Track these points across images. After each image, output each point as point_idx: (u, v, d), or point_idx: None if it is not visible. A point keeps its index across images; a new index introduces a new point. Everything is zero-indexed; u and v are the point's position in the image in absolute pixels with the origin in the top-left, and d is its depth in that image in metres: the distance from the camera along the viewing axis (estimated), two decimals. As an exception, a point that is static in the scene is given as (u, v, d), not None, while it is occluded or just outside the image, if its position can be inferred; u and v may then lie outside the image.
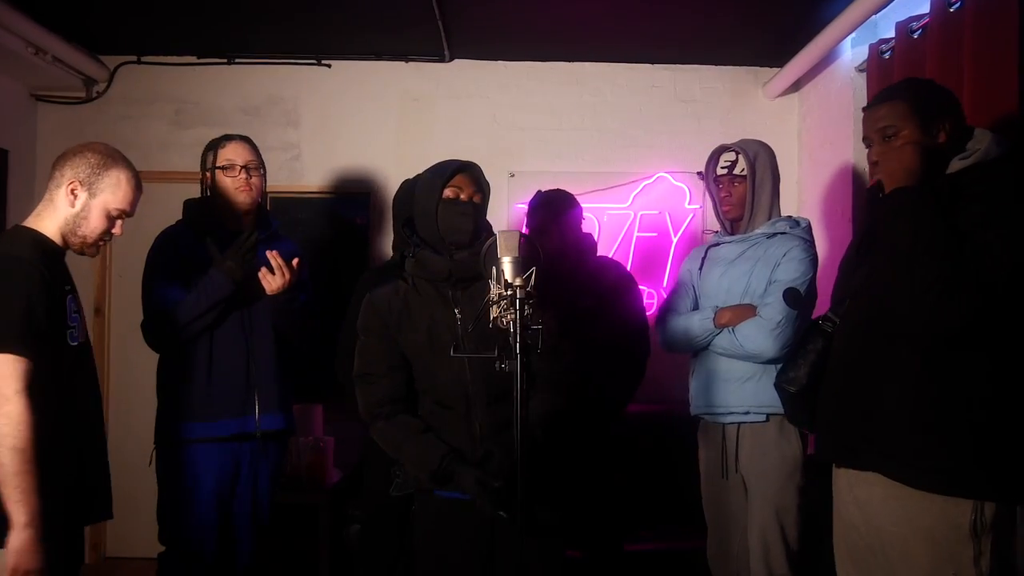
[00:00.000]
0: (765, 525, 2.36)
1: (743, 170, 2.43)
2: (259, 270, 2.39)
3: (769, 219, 2.45)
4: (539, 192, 2.87)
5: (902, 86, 1.86)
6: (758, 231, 2.45)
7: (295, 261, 2.41)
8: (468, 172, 2.00)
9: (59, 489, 1.84)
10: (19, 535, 1.72)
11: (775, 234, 2.43)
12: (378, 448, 2.62)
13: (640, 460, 3.24)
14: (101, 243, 1.99)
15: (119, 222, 1.98)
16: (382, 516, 2.68)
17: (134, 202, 1.99)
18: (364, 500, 2.93)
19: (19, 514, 1.72)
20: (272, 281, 2.38)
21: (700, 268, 2.56)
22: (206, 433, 2.40)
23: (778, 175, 2.49)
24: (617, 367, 2.67)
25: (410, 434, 1.97)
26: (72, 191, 1.92)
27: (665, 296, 3.83)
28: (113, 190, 1.94)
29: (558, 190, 2.85)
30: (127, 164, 1.99)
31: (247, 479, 2.49)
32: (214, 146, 2.52)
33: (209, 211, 2.53)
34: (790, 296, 2.30)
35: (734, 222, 2.51)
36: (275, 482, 2.62)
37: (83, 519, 1.99)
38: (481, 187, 2.01)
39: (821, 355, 1.93)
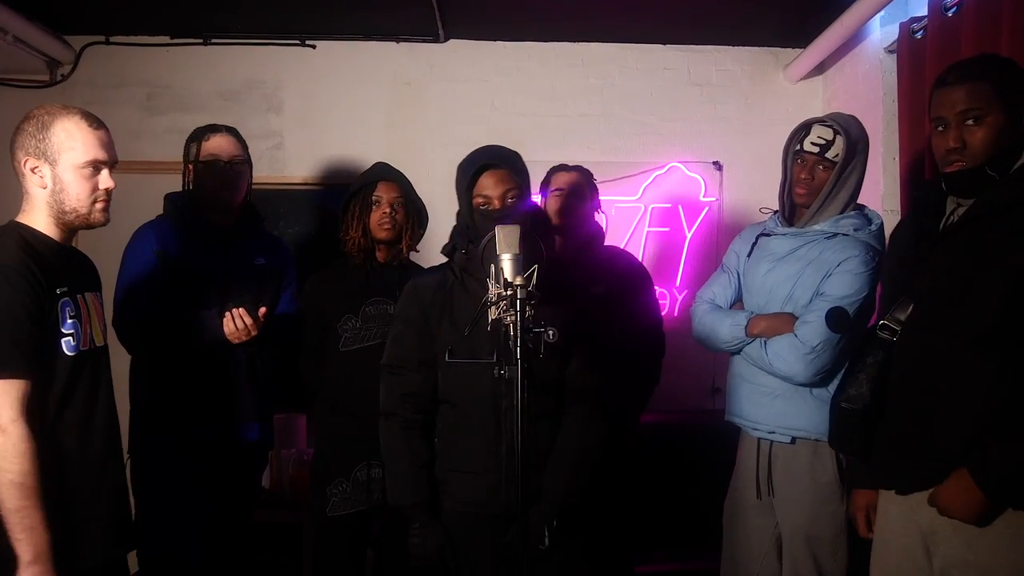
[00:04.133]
0: (797, 556, 2.30)
1: (836, 155, 2.24)
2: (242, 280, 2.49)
3: (839, 213, 2.28)
4: (559, 169, 2.82)
5: (985, 64, 1.80)
6: (817, 227, 2.29)
7: (262, 311, 2.43)
8: (494, 170, 1.97)
9: (76, 516, 1.83)
10: (25, 573, 1.70)
11: (836, 234, 2.26)
12: (318, 463, 2.65)
13: (653, 474, 3.24)
14: (101, 204, 1.87)
15: (104, 172, 1.86)
16: (326, 537, 2.66)
17: (102, 144, 1.86)
18: (306, 520, 2.95)
19: (24, 552, 1.70)
20: (233, 328, 2.40)
21: (749, 255, 2.44)
22: (183, 443, 2.44)
23: (865, 167, 2.32)
24: (629, 371, 2.60)
25: (398, 457, 2.05)
26: (33, 170, 1.83)
27: (677, 292, 3.83)
28: (70, 144, 1.82)
29: (579, 169, 2.81)
30: (70, 110, 1.86)
31: (227, 490, 2.53)
32: (198, 137, 2.55)
33: (192, 207, 2.55)
34: (834, 318, 2.13)
35: (799, 208, 2.36)
36: (256, 493, 2.69)
37: (116, 547, 1.96)
38: (515, 180, 1.98)
39: (882, 368, 1.84)
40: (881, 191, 3.34)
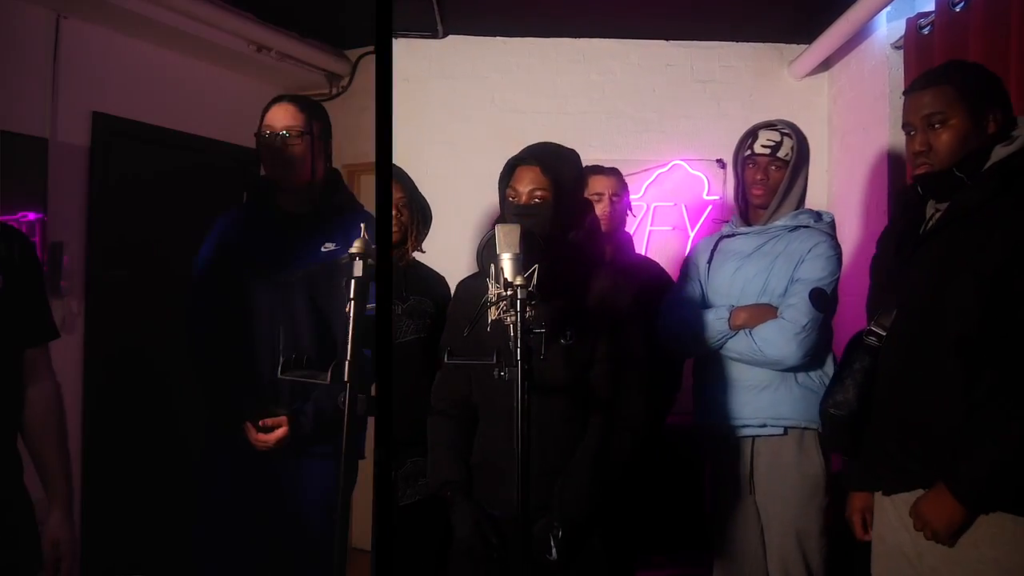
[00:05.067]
0: (785, 553, 2.32)
1: (787, 154, 2.40)
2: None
3: (794, 210, 2.43)
4: (594, 172, 2.77)
5: (949, 69, 1.86)
6: (778, 223, 2.41)
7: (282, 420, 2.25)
8: (527, 167, 1.99)
9: None
10: None
11: (798, 227, 2.39)
12: None
13: (655, 477, 3.23)
14: None
15: None
16: None
17: None
18: None
19: None
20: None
21: (709, 262, 2.51)
22: None
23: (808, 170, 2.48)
24: (654, 377, 2.62)
25: (439, 441, 2.11)
26: None
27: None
28: None
29: (615, 172, 2.80)
30: None
31: None
32: (267, 108, 2.38)
33: (258, 190, 2.46)
34: (816, 297, 2.26)
35: (755, 209, 2.47)
36: None
37: None
38: (546, 180, 1.97)
39: (868, 374, 1.88)
40: (887, 192, 3.33)
